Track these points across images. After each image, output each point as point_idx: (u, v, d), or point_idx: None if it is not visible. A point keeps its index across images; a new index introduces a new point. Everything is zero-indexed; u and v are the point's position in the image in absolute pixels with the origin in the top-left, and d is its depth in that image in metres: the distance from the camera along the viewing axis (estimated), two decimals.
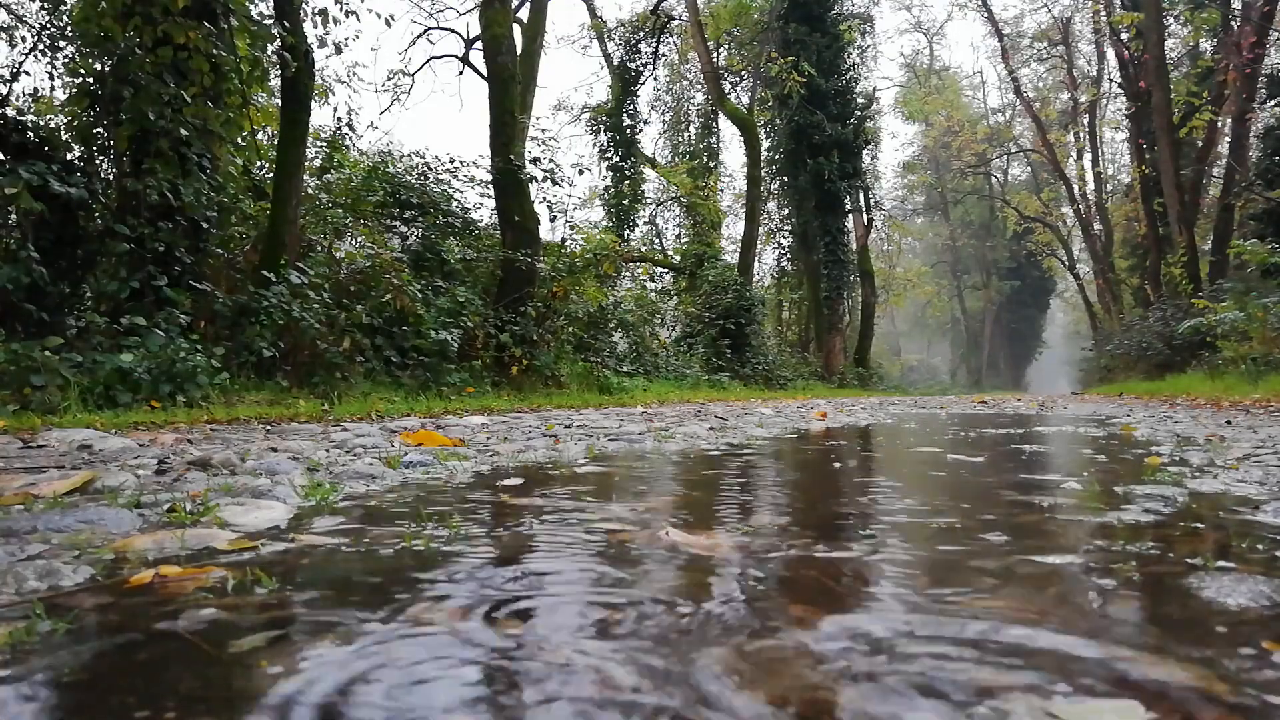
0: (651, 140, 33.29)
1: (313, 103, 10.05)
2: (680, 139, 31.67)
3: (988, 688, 0.80)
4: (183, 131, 7.69)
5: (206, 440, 3.93)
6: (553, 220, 23.25)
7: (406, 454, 3.08)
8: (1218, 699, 0.78)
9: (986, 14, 34.66)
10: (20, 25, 8.92)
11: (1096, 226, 34.95)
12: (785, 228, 30.49)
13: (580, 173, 22.60)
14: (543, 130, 19.16)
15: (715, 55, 26.57)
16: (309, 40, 9.43)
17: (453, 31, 36.00)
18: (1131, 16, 22.74)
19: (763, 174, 26.39)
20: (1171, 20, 25.14)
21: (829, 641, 0.96)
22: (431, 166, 14.42)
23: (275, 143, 10.41)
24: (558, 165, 14.30)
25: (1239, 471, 2.57)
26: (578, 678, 0.84)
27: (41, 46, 8.49)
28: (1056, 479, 2.59)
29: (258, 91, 10.32)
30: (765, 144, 27.56)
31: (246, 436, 4.24)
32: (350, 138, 13.90)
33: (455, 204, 14.35)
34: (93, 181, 7.49)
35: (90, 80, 7.71)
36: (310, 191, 11.62)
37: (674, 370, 17.90)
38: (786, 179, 27.88)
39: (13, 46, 8.75)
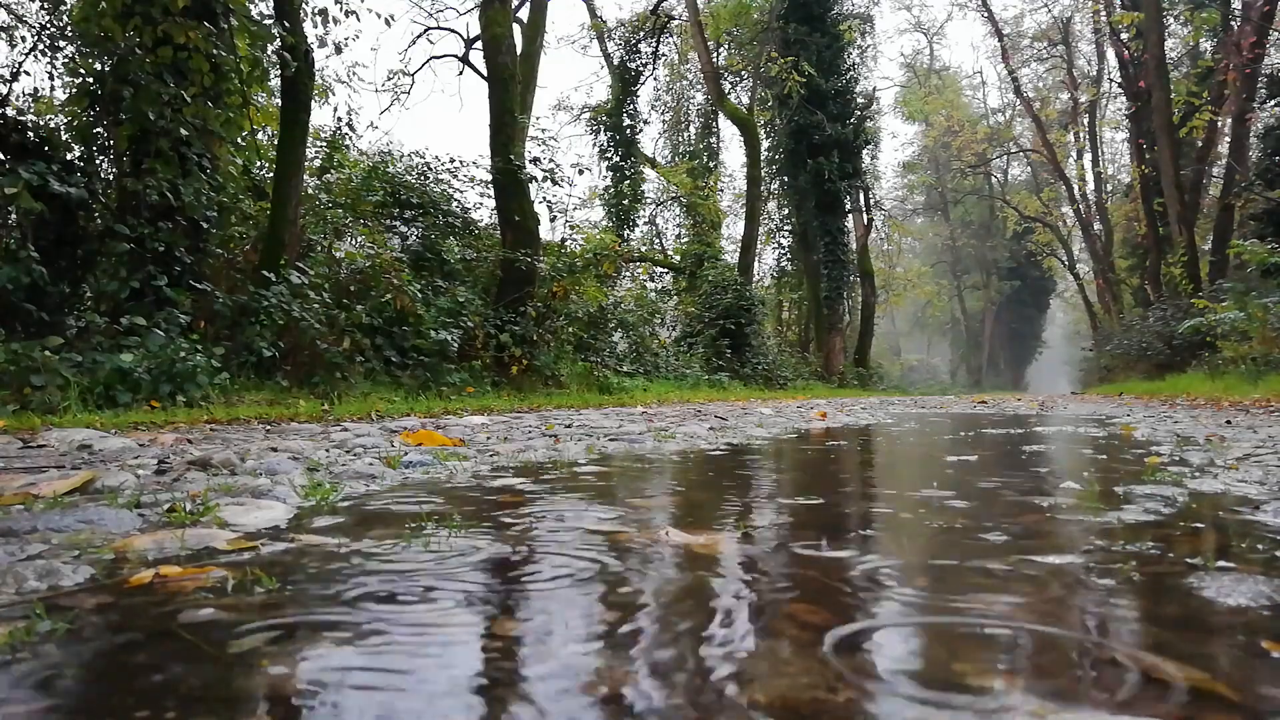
0: (651, 140, 33.33)
1: (313, 103, 10.05)
2: (680, 139, 31.68)
3: (987, 690, 0.80)
4: (183, 131, 7.69)
5: (206, 440, 3.92)
6: (553, 220, 23.28)
7: (406, 454, 3.08)
8: (1218, 699, 0.78)
9: (986, 14, 34.66)
10: (20, 25, 8.91)
11: (1096, 226, 34.95)
12: (785, 228, 30.48)
13: (580, 173, 22.66)
14: (543, 130, 19.15)
15: (715, 55, 26.56)
16: (309, 40, 9.44)
17: (453, 31, 36.09)
18: (1131, 16, 22.74)
19: (763, 174, 26.38)
20: (1171, 20, 25.14)
21: (829, 642, 0.96)
22: (431, 166, 14.44)
23: (275, 143, 10.41)
24: (558, 165, 14.33)
25: (1239, 471, 2.57)
26: (578, 678, 0.84)
27: (41, 46, 8.49)
28: (1056, 479, 2.59)
29: (258, 91, 10.32)
30: (765, 144, 27.56)
31: (246, 436, 4.24)
32: (350, 138, 13.91)
33: (455, 204, 14.36)
34: (93, 181, 7.49)
35: (90, 80, 7.71)
36: (310, 191, 11.61)
37: (674, 370, 17.90)
38: (786, 179, 27.88)
39: (13, 46, 8.74)
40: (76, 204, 7.13)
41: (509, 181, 12.36)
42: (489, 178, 13.18)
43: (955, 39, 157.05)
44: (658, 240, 30.16)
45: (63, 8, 8.53)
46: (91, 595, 1.15)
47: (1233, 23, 21.73)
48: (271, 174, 10.16)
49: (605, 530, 1.66)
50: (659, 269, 26.32)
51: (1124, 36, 25.43)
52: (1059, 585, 1.22)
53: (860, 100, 28.38)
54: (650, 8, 27.39)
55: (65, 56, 8.56)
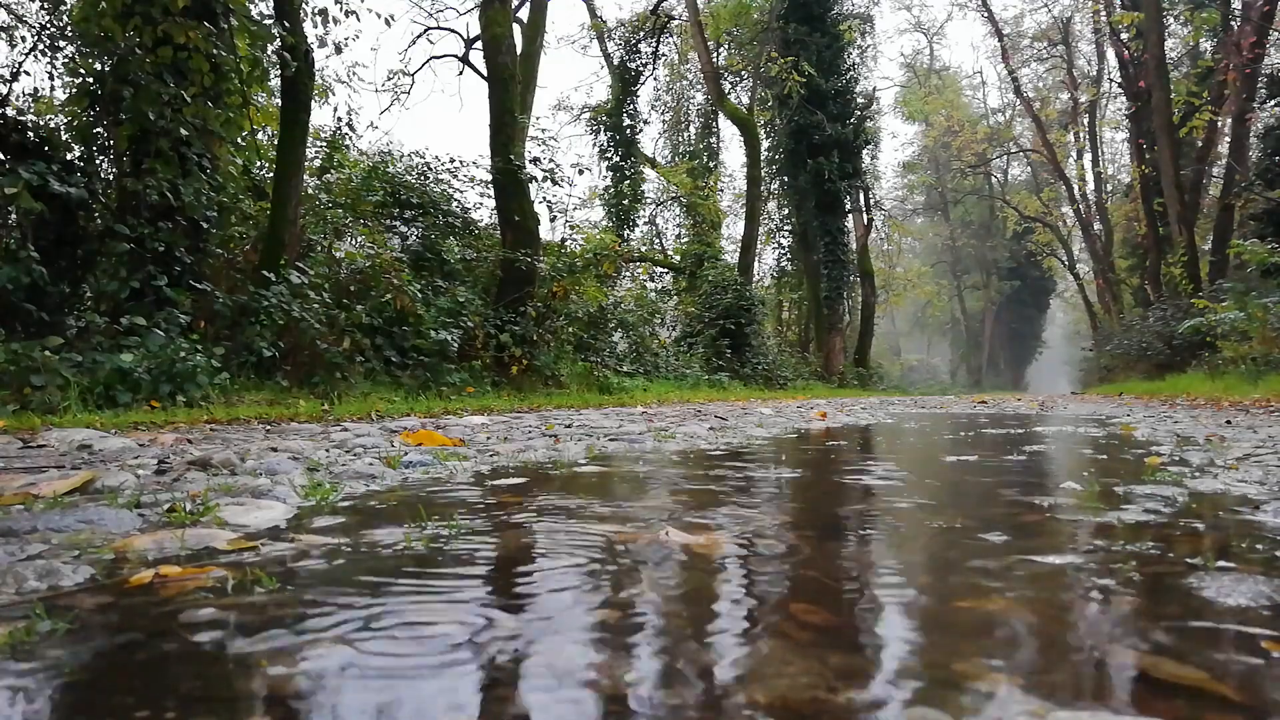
0: (651, 140, 33.32)
1: (313, 103, 10.05)
2: (680, 139, 31.68)
3: (987, 691, 0.80)
4: (183, 131, 7.69)
5: (206, 440, 3.92)
6: (553, 220, 23.29)
7: (406, 454, 3.08)
8: (1218, 699, 0.78)
9: (986, 14, 34.64)
10: (20, 25, 8.91)
11: (1096, 226, 34.95)
12: (785, 228, 30.49)
13: (580, 173, 22.65)
14: (543, 130, 19.13)
15: (715, 55, 26.55)
16: (309, 40, 9.43)
17: (453, 31, 36.10)
18: (1131, 16, 22.74)
19: (763, 174, 26.38)
20: (1171, 20, 25.14)
21: (829, 642, 0.96)
22: (431, 166, 14.43)
23: (275, 143, 10.41)
24: (558, 165, 14.32)
25: (1239, 471, 2.57)
26: (578, 677, 0.84)
27: (41, 46, 8.48)
28: (1056, 479, 2.59)
29: (258, 91, 10.32)
30: (765, 144, 27.55)
31: (246, 436, 4.24)
32: (350, 138, 13.90)
33: (455, 204, 14.35)
34: (93, 181, 7.48)
35: (90, 80, 7.71)
36: (310, 191, 11.61)
37: (674, 370, 17.90)
38: (786, 179, 27.88)
39: (13, 46, 8.74)
40: (76, 204, 7.13)
41: (509, 181, 12.36)
42: (489, 178, 13.18)
43: (955, 39, 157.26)
44: (658, 240, 30.16)
45: (63, 8, 8.53)
46: (91, 595, 1.15)
47: (1233, 23, 21.73)
48: (271, 174, 10.16)
49: (605, 530, 1.66)
50: (659, 269, 26.32)
51: (1124, 36, 25.43)
52: (1059, 585, 1.22)
53: (860, 100, 28.37)
54: (650, 8, 27.39)
55: (65, 56, 8.55)
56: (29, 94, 8.80)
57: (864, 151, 28.97)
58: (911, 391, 32.55)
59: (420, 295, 10.33)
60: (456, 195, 14.50)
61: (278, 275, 8.37)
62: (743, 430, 5.25)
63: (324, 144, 13.54)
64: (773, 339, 26.33)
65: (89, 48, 7.84)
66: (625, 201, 26.82)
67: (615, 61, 28.04)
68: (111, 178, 7.89)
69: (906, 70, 47.57)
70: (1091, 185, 36.98)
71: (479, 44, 16.78)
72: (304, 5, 9.50)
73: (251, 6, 9.22)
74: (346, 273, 10.11)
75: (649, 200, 29.18)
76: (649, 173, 28.99)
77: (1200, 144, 22.72)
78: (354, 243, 11.45)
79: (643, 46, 28.00)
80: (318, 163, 13.14)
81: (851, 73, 27.81)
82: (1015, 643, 0.95)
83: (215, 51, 7.88)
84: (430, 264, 12.41)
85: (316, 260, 9.87)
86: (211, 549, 1.44)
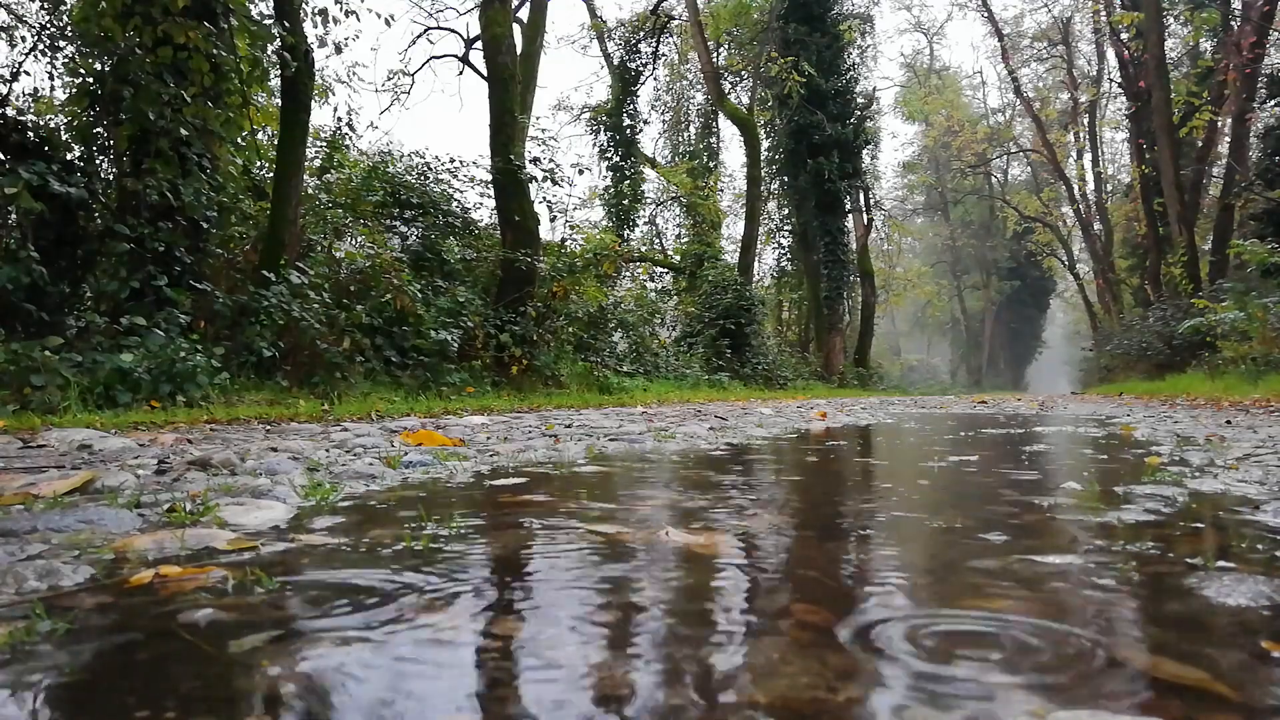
0: (651, 140, 33.33)
1: (313, 103, 10.05)
2: (680, 139, 31.68)
3: (987, 690, 0.80)
4: (183, 131, 7.69)
5: (206, 440, 3.92)
6: (553, 220, 23.29)
7: (406, 454, 3.08)
8: (1218, 699, 0.78)
9: (986, 14, 34.67)
10: (20, 25, 8.91)
11: (1096, 226, 34.96)
12: (785, 228, 30.49)
13: (580, 173, 22.69)
14: (543, 130, 19.14)
15: (715, 55, 26.55)
16: (309, 40, 9.44)
17: (453, 31, 36.19)
18: (1131, 16, 22.74)
19: (763, 174, 26.38)
20: (1171, 20, 25.15)
21: (829, 642, 0.96)
22: (431, 166, 14.43)
23: (275, 143, 10.41)
24: (558, 165, 14.33)
25: (1239, 471, 2.57)
26: (576, 677, 0.84)
27: (41, 46, 8.48)
28: (1057, 479, 2.59)
29: (258, 91, 10.32)
30: (765, 144, 27.56)
31: (246, 436, 4.24)
32: (350, 138, 13.91)
33: (455, 204, 14.35)
34: (93, 181, 7.49)
35: (90, 80, 7.71)
36: (310, 191, 11.61)
37: (674, 370, 17.90)
38: (786, 179, 27.89)
39: (13, 46, 8.74)
40: (76, 204, 7.13)
41: (509, 181, 12.36)
42: (489, 178, 13.18)
43: (955, 39, 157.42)
44: (658, 240, 30.17)
45: (63, 8, 8.53)
46: (91, 595, 1.15)
47: (1233, 23, 21.73)
48: (271, 174, 10.16)
49: (605, 530, 1.66)
50: (659, 269, 26.32)
51: (1124, 36, 25.44)
52: (1059, 585, 1.22)
53: (860, 100, 28.38)
54: (650, 8, 27.39)
55: (65, 56, 8.55)
56: (29, 94, 8.81)
57: (864, 151, 28.99)
58: (911, 391, 32.54)
59: (420, 295, 10.33)
60: (456, 195, 14.52)
61: (278, 275, 8.37)
62: (743, 430, 5.25)
63: (324, 144, 13.54)
64: (773, 339, 26.33)
65: (89, 48, 7.84)
66: (625, 201, 26.82)
67: (615, 61, 28.04)
68: (111, 178, 7.89)
69: (906, 70, 47.62)
70: (1091, 185, 37.05)
71: (479, 44, 16.78)
72: (304, 5, 9.50)
73: (251, 6, 9.23)
74: (346, 273, 10.11)
75: (649, 200, 29.20)
76: (649, 173, 29.01)
77: (1200, 144, 22.73)
78: (354, 243, 11.45)
79: (643, 46, 28.00)
80: (318, 163, 13.14)
81: (851, 73, 27.82)
82: (1015, 642, 0.95)
83: (215, 51, 7.88)
84: (430, 264, 12.41)
85: (316, 260, 9.87)
86: (211, 549, 1.44)
